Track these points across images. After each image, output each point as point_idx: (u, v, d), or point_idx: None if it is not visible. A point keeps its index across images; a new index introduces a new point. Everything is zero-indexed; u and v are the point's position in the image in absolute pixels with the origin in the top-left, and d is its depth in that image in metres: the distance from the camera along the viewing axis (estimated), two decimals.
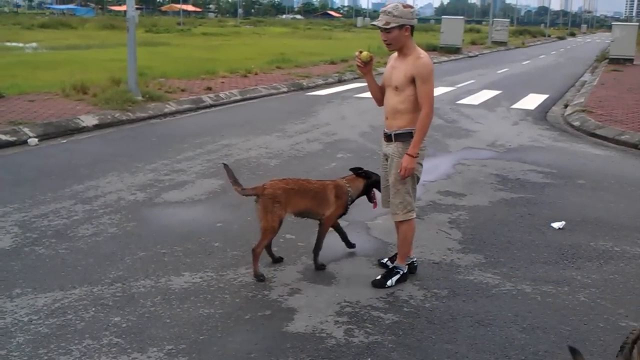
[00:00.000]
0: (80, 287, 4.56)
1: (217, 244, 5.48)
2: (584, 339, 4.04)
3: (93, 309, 4.25)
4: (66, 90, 12.71)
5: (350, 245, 5.38)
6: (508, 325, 4.20)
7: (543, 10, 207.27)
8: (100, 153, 8.83)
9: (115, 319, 4.12)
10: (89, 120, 10.64)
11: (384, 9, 4.46)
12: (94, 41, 31.79)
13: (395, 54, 4.62)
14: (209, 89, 14.80)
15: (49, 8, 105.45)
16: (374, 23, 4.51)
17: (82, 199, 6.62)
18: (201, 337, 3.93)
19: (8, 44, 28.58)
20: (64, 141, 9.62)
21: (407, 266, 4.84)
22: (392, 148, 4.66)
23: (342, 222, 6.05)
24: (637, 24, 35.92)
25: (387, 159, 4.77)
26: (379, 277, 4.77)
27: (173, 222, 6.07)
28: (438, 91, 17.24)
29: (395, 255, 4.92)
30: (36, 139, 9.36)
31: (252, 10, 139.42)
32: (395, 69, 4.57)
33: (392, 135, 4.65)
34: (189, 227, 5.90)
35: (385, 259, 5.09)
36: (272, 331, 4.05)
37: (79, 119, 10.60)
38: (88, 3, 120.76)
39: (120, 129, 10.80)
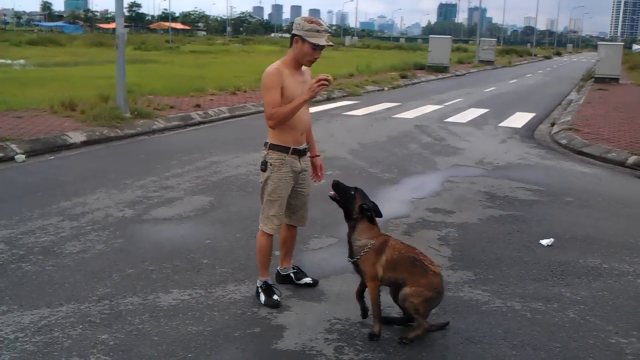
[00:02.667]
0: (67, 304, 4.51)
1: (206, 260, 5.45)
2: (574, 356, 4.04)
3: (80, 326, 4.20)
4: (54, 107, 12.68)
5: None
6: (498, 342, 4.19)
7: (529, 30, 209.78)
8: (88, 169, 8.79)
9: (103, 336, 4.08)
10: (76, 137, 10.60)
11: (327, 27, 4.37)
12: (82, 58, 31.77)
13: (284, 69, 4.39)
14: (198, 106, 14.79)
15: (37, 25, 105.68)
16: (330, 44, 4.38)
17: (69, 216, 6.57)
18: (189, 355, 3.89)
19: None
20: (52, 158, 9.57)
21: (264, 281, 4.69)
22: (306, 162, 4.71)
23: (330, 239, 6.07)
24: (622, 43, 36.43)
25: (298, 174, 4.63)
26: None
27: (161, 238, 6.03)
28: (426, 109, 17.36)
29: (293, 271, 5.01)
30: (23, 156, 9.30)
31: (241, 29, 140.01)
32: (303, 83, 4.43)
33: (306, 149, 4.70)
34: (178, 243, 5.86)
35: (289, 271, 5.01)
36: (261, 349, 4.02)
37: (66, 135, 10.55)
38: (76, 21, 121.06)
39: (109, 145, 10.76)
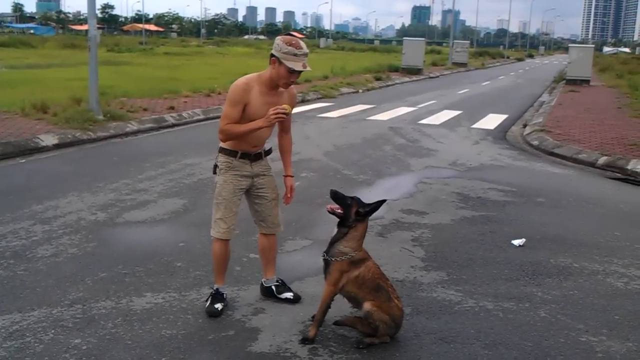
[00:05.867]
0: (39, 309, 4.47)
1: (180, 264, 5.43)
2: (545, 355, 4.09)
3: (52, 331, 4.17)
4: (25, 110, 12.54)
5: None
6: (471, 342, 4.23)
7: (502, 33, 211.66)
8: (60, 173, 8.70)
9: (76, 341, 4.04)
10: (48, 140, 10.48)
11: (306, 50, 4.19)
12: (54, 60, 31.41)
13: (255, 87, 4.27)
14: (172, 108, 14.71)
15: (8, 27, 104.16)
16: (308, 69, 4.19)
17: (41, 220, 6.50)
18: (163, 359, 3.87)
19: None
20: (23, 161, 9.46)
21: (216, 288, 4.63)
22: (262, 166, 4.59)
23: (305, 242, 6.08)
24: (593, 46, 36.93)
25: (252, 179, 4.56)
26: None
27: (135, 242, 5.99)
28: (400, 111, 17.45)
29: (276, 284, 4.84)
30: None
31: (215, 31, 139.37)
32: (272, 105, 4.19)
33: (261, 153, 4.58)
34: (151, 247, 5.83)
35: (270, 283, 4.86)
36: (235, 351, 4.01)
37: (38, 138, 10.43)
38: (48, 22, 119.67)
39: (81, 148, 10.66)
